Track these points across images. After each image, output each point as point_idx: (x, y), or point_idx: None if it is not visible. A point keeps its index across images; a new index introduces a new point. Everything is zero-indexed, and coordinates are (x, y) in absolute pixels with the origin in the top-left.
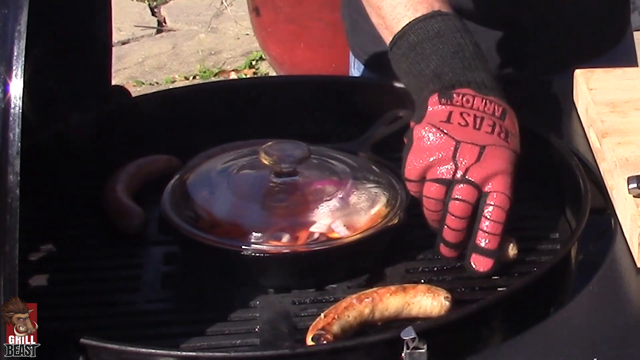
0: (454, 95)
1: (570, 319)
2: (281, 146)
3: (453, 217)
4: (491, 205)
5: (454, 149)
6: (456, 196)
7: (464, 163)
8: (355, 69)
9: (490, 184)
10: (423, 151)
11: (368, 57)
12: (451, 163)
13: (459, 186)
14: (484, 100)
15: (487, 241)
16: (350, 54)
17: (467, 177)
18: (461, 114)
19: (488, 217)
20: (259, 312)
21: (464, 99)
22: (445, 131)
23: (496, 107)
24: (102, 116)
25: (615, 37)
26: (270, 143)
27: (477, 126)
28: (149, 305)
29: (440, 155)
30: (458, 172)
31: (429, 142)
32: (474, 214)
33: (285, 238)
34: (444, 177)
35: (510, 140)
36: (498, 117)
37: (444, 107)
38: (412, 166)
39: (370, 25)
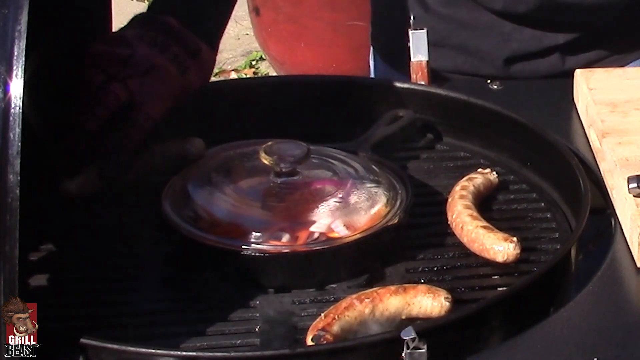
0: (157, 19)
1: (570, 319)
2: (281, 146)
3: (101, 106)
4: (137, 120)
5: (130, 55)
6: (110, 88)
7: (131, 68)
8: (371, 59)
9: (145, 99)
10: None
11: (381, 46)
12: (120, 63)
13: (115, 83)
14: (183, 32)
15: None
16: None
17: (126, 80)
18: (155, 36)
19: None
20: (259, 312)
21: (167, 25)
22: (131, 42)
23: (191, 42)
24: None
25: None
26: (270, 143)
27: (162, 50)
28: (149, 305)
29: (116, 52)
30: (123, 72)
31: (112, 39)
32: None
33: (285, 238)
34: (107, 68)
35: (188, 77)
36: (188, 53)
37: (144, 27)
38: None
39: (386, 16)
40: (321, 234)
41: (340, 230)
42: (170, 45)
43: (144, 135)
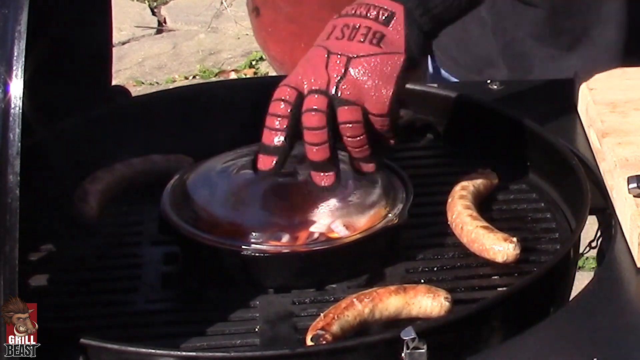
0: (349, 7)
1: (570, 319)
2: None
3: (348, 138)
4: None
5: (326, 60)
6: (345, 120)
7: (334, 76)
8: None
9: (365, 98)
10: (302, 65)
11: None
12: (324, 73)
13: (341, 108)
14: (369, 7)
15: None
16: None
17: (340, 96)
18: (343, 26)
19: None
20: (259, 312)
21: (354, 9)
22: (322, 45)
23: (381, 12)
24: (102, 116)
25: None
26: None
27: (350, 36)
28: (149, 305)
29: (314, 66)
30: (331, 86)
31: (307, 58)
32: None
33: (285, 238)
34: (318, 87)
35: (385, 44)
36: (379, 22)
37: (332, 22)
38: (292, 75)
39: None
40: (321, 234)
41: (340, 231)
42: (358, 28)
43: (390, 132)
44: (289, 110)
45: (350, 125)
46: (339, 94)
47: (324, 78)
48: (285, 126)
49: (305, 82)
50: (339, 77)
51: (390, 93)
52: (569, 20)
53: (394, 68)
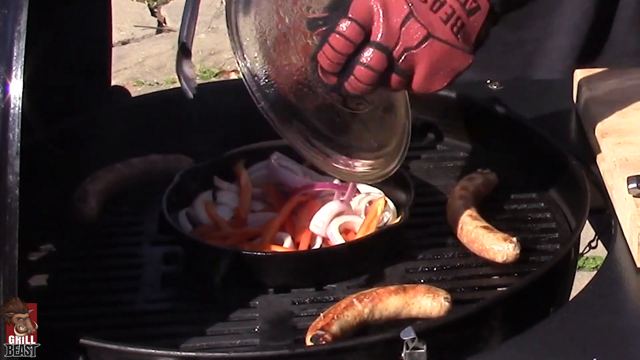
0: None
1: (570, 319)
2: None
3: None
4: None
5: (404, 20)
6: (392, 86)
7: (406, 42)
8: None
9: (416, 75)
10: (377, 5)
11: None
12: (397, 33)
13: (395, 75)
14: None
15: None
16: None
17: (400, 63)
18: None
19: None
20: (259, 312)
21: None
22: None
23: (470, 1)
24: (102, 116)
25: None
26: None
27: (434, 8)
28: (149, 305)
29: (390, 19)
30: (398, 51)
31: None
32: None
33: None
34: (386, 44)
35: (462, 37)
36: (465, 9)
37: None
38: (362, 8)
39: None
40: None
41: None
42: (443, 3)
43: None
44: (349, 52)
45: (392, 88)
46: (400, 62)
47: (394, 37)
48: (340, 65)
49: (373, 28)
50: (410, 47)
51: (440, 87)
52: (520, 30)
53: (458, 67)
